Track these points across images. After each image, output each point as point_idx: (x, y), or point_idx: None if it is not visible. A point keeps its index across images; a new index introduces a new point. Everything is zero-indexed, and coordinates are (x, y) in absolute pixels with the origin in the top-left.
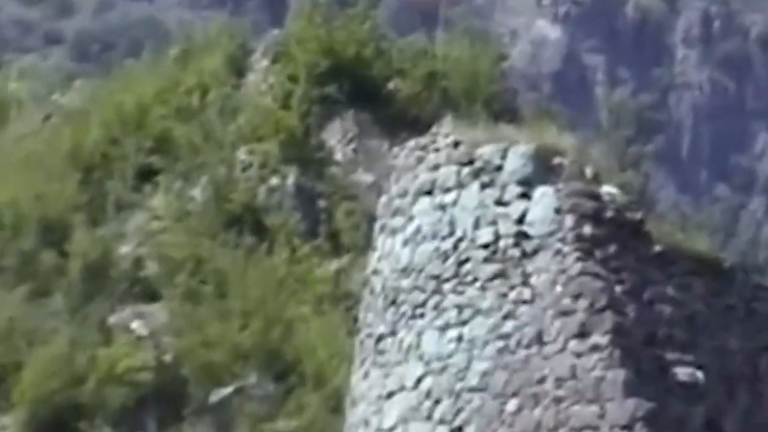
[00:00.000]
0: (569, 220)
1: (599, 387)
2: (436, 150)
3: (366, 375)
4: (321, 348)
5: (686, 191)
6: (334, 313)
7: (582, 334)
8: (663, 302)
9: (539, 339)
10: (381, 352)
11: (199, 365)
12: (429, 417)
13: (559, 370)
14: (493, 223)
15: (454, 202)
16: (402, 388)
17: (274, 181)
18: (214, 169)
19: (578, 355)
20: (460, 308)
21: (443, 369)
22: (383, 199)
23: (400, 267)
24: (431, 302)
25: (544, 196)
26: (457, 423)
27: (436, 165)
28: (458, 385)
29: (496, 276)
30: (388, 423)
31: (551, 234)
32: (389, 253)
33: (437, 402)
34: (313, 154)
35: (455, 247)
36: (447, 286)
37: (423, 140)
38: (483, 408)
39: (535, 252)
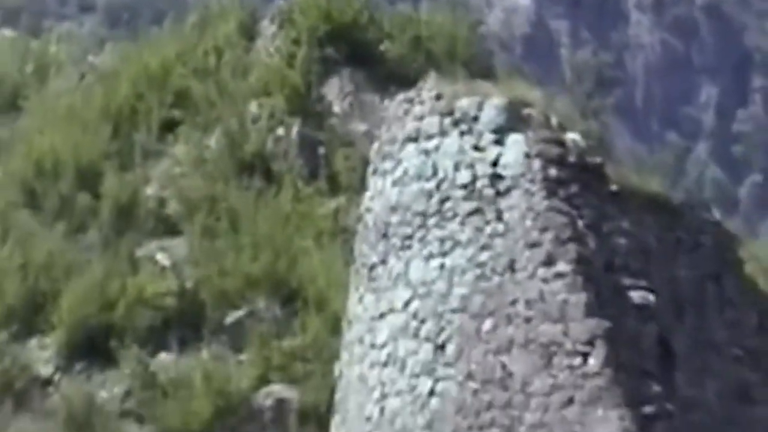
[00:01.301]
0: (537, 164)
1: (564, 308)
2: (421, 103)
3: (360, 299)
4: (321, 276)
5: (640, 138)
6: (333, 246)
7: (548, 262)
8: (619, 235)
9: (511, 267)
10: (373, 279)
11: (216, 291)
12: (416, 335)
13: (529, 293)
14: (471, 166)
15: (437, 148)
16: (392, 310)
17: (280, 131)
18: (228, 121)
19: (545, 280)
20: (442, 241)
21: (428, 293)
22: (375, 145)
23: (389, 205)
24: (417, 235)
25: (515, 143)
26: (440, 340)
27: (421, 116)
28: (441, 308)
29: (473, 212)
30: (380, 340)
31: (521, 175)
32: (380, 192)
33: (422, 322)
34: (314, 107)
35: (438, 187)
36: (431, 222)
37: (410, 94)
38: (462, 327)
39: (508, 191)
